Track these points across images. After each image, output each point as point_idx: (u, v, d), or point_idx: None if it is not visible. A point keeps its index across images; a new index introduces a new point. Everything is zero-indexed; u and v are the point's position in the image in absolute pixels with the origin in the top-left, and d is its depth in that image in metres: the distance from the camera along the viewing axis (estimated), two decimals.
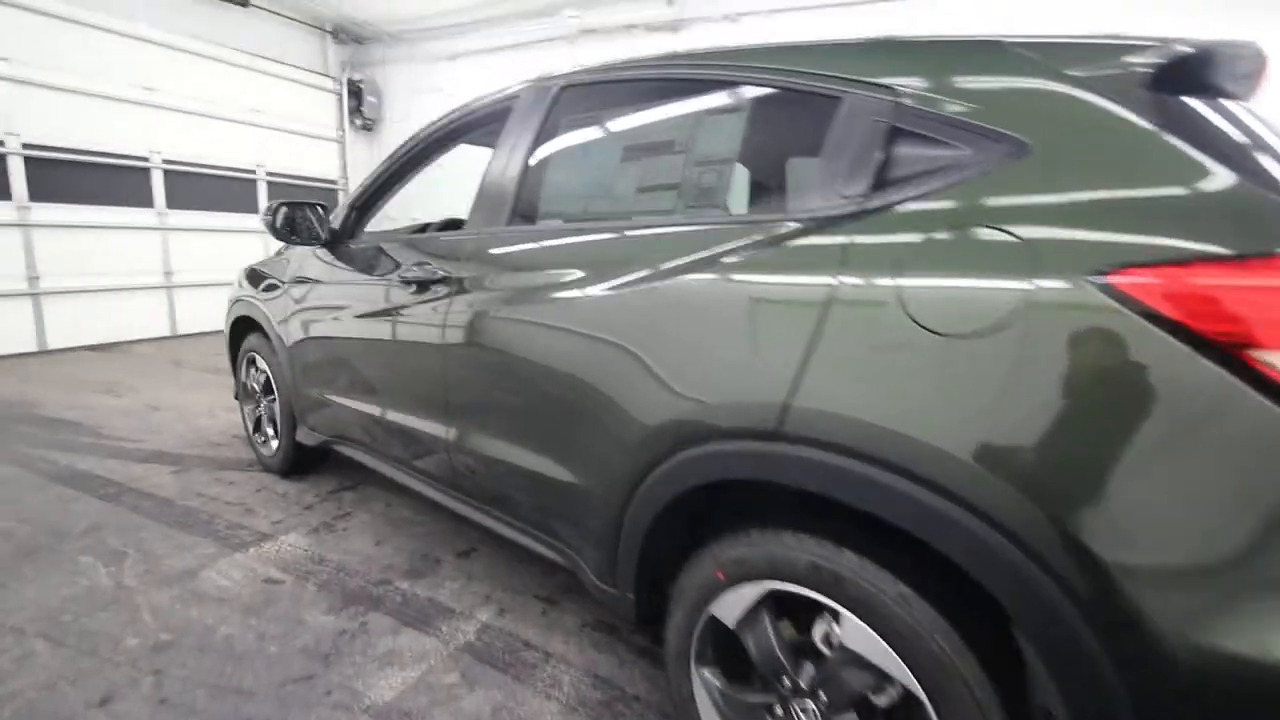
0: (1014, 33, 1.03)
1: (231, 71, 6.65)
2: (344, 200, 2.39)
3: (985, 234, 0.87)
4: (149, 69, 5.89)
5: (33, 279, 5.22)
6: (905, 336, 0.89)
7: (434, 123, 2.12)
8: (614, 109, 1.59)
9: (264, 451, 2.91)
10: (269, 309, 2.63)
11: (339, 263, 2.29)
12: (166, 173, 6.12)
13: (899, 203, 0.98)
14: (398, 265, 1.96)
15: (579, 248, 1.46)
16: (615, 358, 1.27)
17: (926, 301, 0.88)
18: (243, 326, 2.90)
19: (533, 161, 1.64)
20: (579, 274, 1.38)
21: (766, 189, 1.24)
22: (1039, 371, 0.80)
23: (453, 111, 2.06)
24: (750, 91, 1.27)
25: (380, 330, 1.99)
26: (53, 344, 5.39)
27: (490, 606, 1.90)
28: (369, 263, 2.15)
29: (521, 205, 1.64)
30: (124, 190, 5.82)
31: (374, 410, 2.11)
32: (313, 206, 2.30)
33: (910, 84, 1.03)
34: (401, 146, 2.20)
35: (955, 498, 0.84)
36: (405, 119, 7.98)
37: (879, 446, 0.91)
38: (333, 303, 2.27)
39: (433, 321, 1.73)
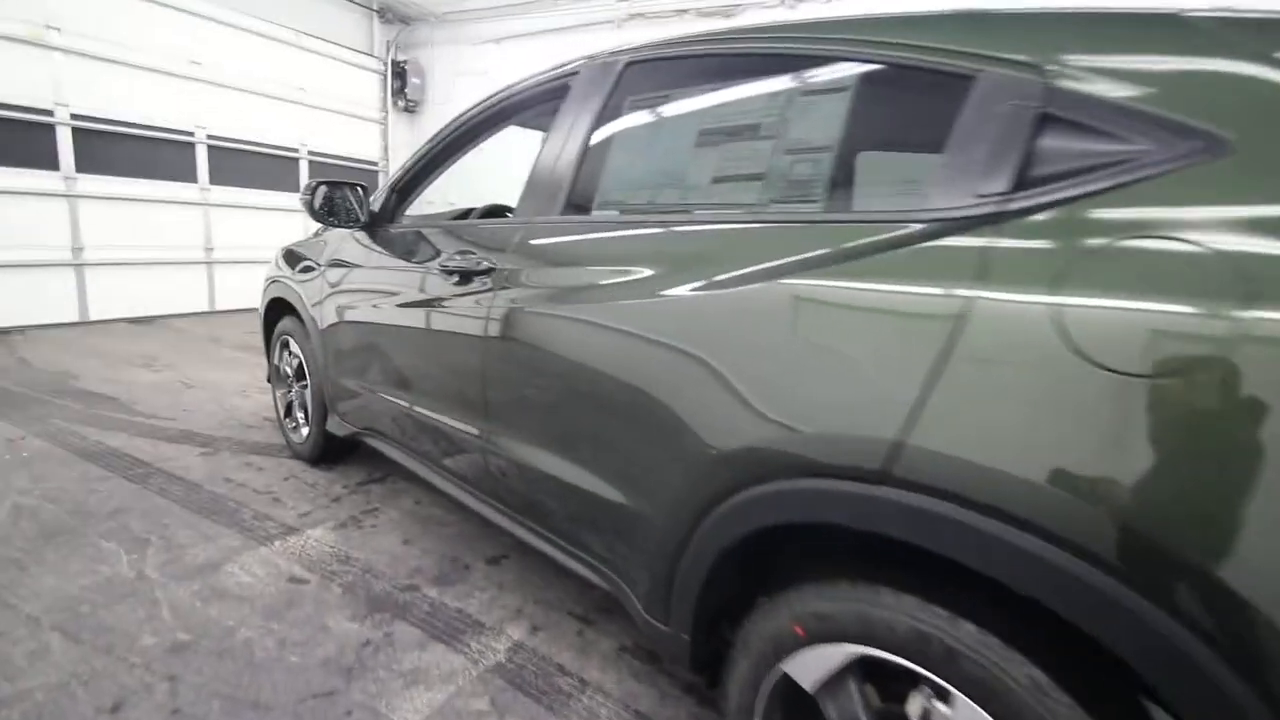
0: (1186, 6, 0.85)
1: (277, 48, 6.63)
2: (384, 182, 2.27)
3: (1173, 247, 0.70)
4: (196, 43, 5.88)
5: (77, 250, 5.26)
6: (1063, 370, 0.72)
7: (482, 102, 1.98)
8: (687, 88, 1.43)
9: (294, 438, 2.84)
10: (304, 292, 2.53)
11: (377, 247, 2.17)
12: (210, 148, 6.13)
13: (1052, 204, 0.80)
14: (438, 253, 1.83)
15: (644, 242, 1.30)
16: (684, 368, 1.12)
17: (1094, 327, 0.71)
18: (277, 309, 2.81)
19: (592, 145, 1.49)
20: (643, 271, 1.23)
21: (876, 182, 1.07)
22: (1246, 426, 0.63)
23: (502, 90, 1.92)
24: (856, 69, 1.10)
25: (417, 320, 1.87)
26: (94, 315, 5.44)
27: (522, 622, 1.78)
28: (408, 248, 2.03)
29: (578, 193, 1.49)
30: (168, 164, 5.84)
31: (406, 404, 2.00)
32: (352, 187, 2.19)
33: (1065, 63, 0.85)
34: (446, 127, 2.08)
35: (1128, 579, 0.68)
36: (447, 101, 7.90)
37: (1019, 504, 0.74)
38: (369, 289, 2.16)
39: (474, 314, 1.60)
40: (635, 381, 1.20)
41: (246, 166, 6.50)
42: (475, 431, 1.68)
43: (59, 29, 4.94)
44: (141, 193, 5.65)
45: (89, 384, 3.77)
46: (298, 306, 2.58)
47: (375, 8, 7.62)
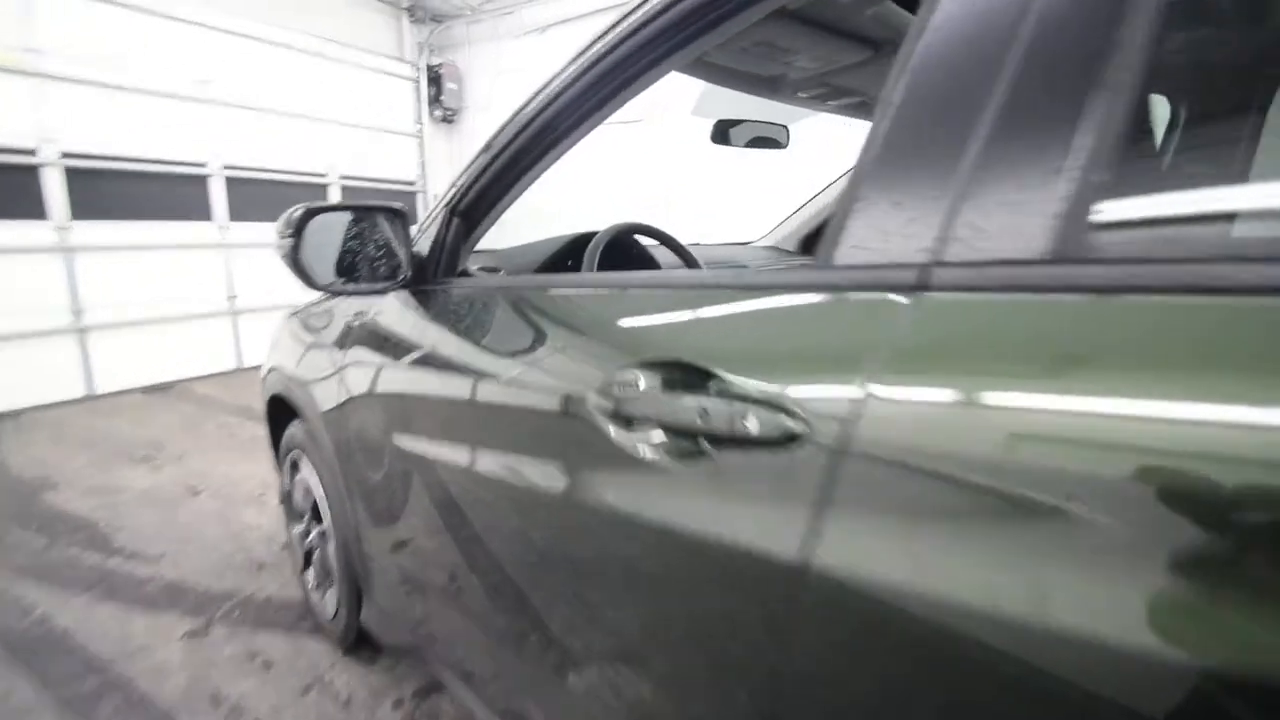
0: None
1: (297, 59, 5.78)
2: (436, 203, 1.25)
3: None
4: (204, 59, 5.06)
5: (76, 312, 4.45)
6: None
7: (620, 22, 0.91)
8: None
9: (316, 603, 1.85)
10: (312, 384, 1.54)
11: (433, 323, 1.15)
12: (228, 180, 5.30)
13: None
14: (561, 349, 0.81)
15: None
16: None
17: None
18: (282, 408, 1.83)
19: None
20: None
21: None
22: None
23: None
24: None
25: (550, 498, 0.84)
26: (101, 388, 4.62)
27: None
28: (500, 336, 1.00)
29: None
30: (180, 202, 5.03)
31: (517, 652, 0.97)
32: (376, 215, 1.17)
33: None
34: (545, 88, 1.02)
35: None
36: (488, 107, 6.98)
37: None
38: (428, 404, 1.14)
39: (735, 538, 0.56)
40: None
41: (271, 198, 5.65)
42: None
43: (39, 51, 4.15)
44: (150, 238, 4.84)
45: (66, 499, 2.87)
46: (308, 413, 1.58)
47: (404, 6, 6.74)
